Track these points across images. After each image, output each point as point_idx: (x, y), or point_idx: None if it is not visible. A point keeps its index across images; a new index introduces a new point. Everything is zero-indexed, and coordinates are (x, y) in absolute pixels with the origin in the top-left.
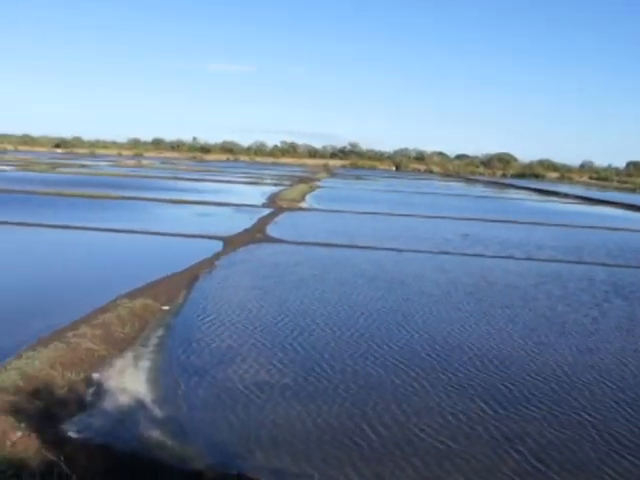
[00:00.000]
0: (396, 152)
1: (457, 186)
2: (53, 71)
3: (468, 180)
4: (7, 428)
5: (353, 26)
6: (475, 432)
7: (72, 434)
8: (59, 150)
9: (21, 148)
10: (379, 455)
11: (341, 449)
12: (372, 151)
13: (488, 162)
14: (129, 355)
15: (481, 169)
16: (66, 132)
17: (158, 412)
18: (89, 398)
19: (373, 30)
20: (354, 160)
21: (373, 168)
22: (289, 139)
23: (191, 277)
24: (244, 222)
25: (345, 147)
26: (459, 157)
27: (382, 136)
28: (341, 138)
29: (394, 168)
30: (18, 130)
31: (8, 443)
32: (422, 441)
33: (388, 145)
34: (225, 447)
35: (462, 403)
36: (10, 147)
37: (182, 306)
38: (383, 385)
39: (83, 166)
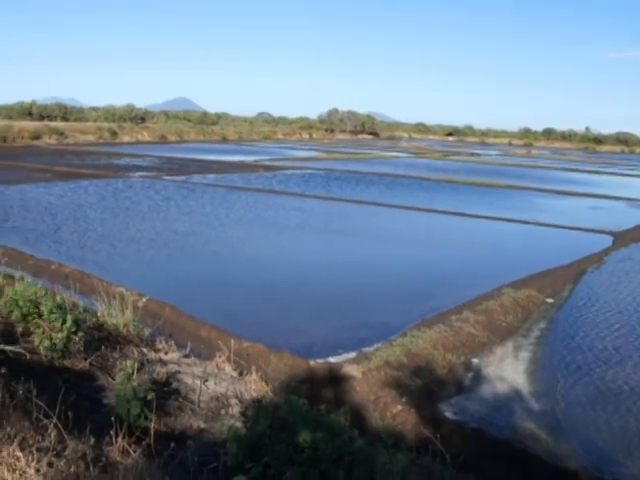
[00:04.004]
0: None
1: None
2: (452, 64)
3: None
4: (389, 401)
5: None
6: None
7: (448, 414)
8: (450, 138)
9: (414, 136)
10: None
11: None
12: None
13: None
14: (509, 344)
15: None
16: (458, 121)
17: (534, 404)
18: (467, 382)
19: None
20: None
21: None
22: None
23: (578, 271)
24: (638, 217)
25: None
26: None
27: None
28: None
29: None
30: (413, 119)
31: (389, 414)
32: None
33: None
34: (601, 450)
35: None
36: (405, 135)
37: (566, 300)
38: None
39: (473, 154)
